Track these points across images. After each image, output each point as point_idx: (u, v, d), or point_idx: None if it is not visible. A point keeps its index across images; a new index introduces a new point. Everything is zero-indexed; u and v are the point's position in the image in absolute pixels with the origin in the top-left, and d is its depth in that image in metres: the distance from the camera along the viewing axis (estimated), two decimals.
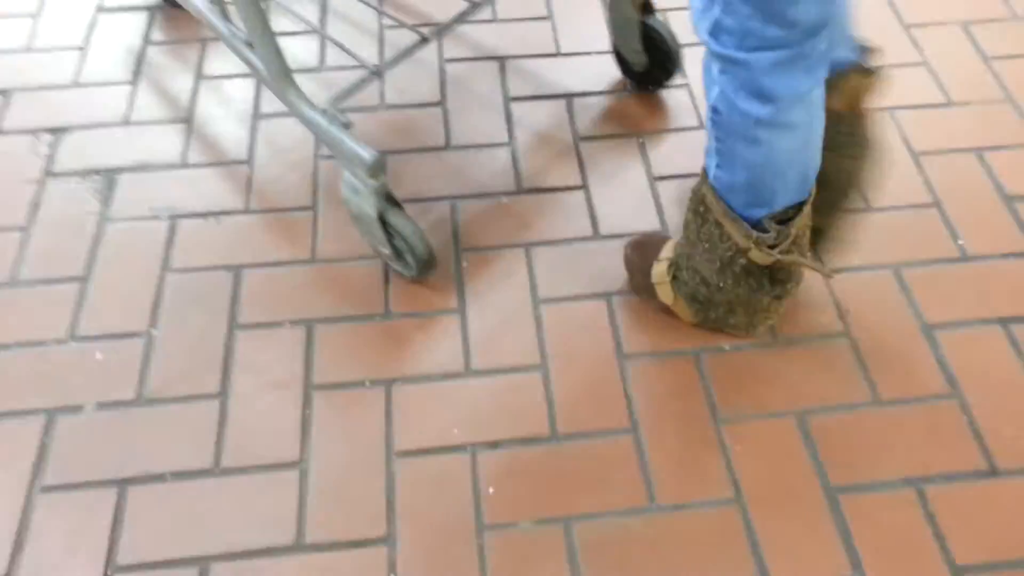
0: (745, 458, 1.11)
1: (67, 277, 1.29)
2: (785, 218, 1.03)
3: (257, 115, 1.50)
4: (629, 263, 1.27)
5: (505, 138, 1.49)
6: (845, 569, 1.02)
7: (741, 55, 0.88)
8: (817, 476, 1.09)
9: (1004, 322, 1.23)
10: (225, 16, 1.33)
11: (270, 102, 1.50)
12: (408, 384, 1.18)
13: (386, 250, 1.26)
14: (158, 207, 1.37)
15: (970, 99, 1.52)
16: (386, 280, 1.29)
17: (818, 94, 0.95)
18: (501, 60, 1.61)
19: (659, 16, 1.45)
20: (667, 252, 1.20)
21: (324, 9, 1.67)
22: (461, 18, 1.32)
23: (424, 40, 1.30)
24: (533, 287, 1.28)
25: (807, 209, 1.04)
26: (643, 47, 1.47)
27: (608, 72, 1.57)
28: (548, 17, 1.67)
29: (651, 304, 1.23)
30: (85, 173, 1.41)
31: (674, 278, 1.18)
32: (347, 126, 1.20)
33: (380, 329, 1.24)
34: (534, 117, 1.52)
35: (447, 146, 1.48)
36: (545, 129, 1.50)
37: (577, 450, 1.12)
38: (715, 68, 0.93)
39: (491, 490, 1.08)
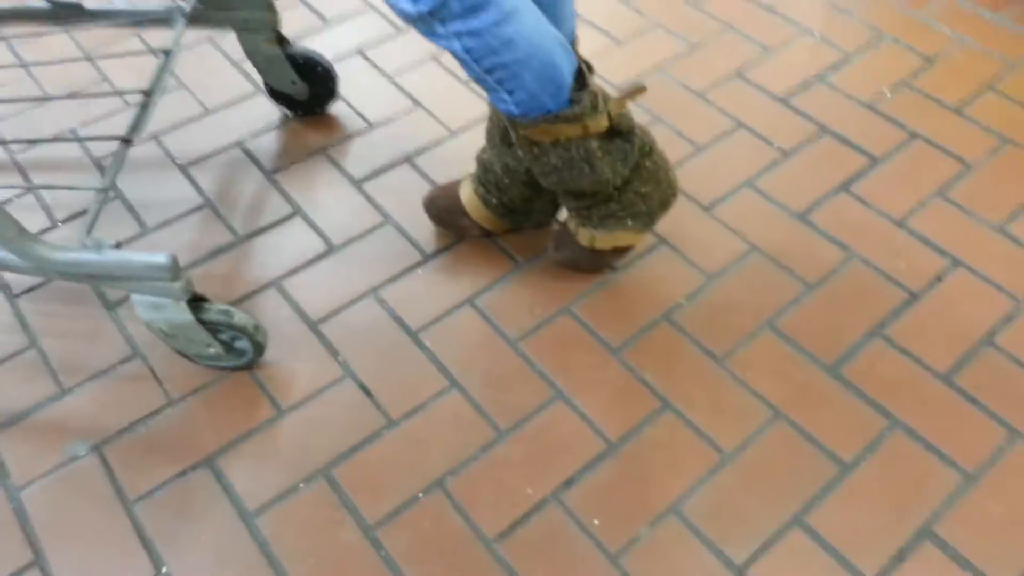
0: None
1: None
2: (579, 87, 1.16)
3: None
4: (567, 262, 1.38)
5: (199, 200, 1.50)
6: None
7: None
8: None
9: None
10: None
11: None
12: (347, 464, 1.17)
13: (214, 349, 1.22)
14: (70, 446, 1.19)
15: None
16: (260, 384, 1.25)
17: None
18: (156, 137, 1.61)
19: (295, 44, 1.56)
20: (571, 224, 1.33)
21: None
22: (144, 116, 1.28)
23: (127, 142, 1.25)
24: (305, 312, 1.33)
25: (585, 71, 1.17)
26: (299, 76, 1.56)
27: (267, 110, 1.65)
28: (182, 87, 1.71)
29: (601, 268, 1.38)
30: None
31: (597, 227, 1.30)
32: (119, 246, 1.14)
33: (287, 428, 1.21)
34: (215, 172, 1.55)
35: (144, 231, 1.45)
36: (233, 178, 1.53)
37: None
38: (437, 28, 1.04)
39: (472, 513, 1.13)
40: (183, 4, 1.40)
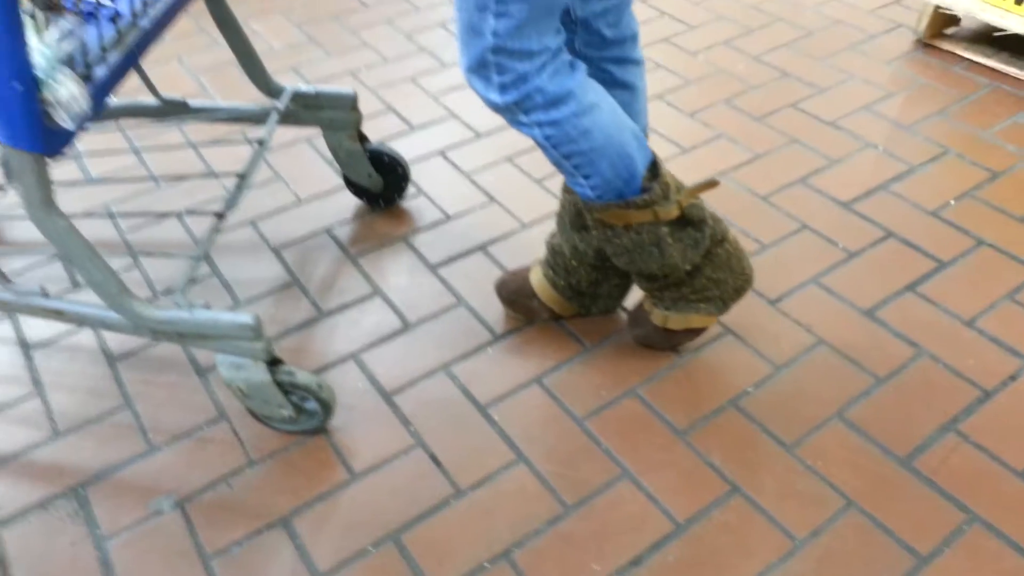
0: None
1: None
2: (652, 177, 1.23)
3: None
4: (642, 340, 1.42)
5: (287, 278, 1.60)
6: None
7: (531, 85, 1.10)
8: None
9: None
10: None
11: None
12: (416, 530, 1.19)
13: (287, 411, 1.27)
14: (155, 501, 1.24)
15: None
16: (335, 449, 1.29)
17: (588, 76, 1.17)
18: (254, 222, 1.73)
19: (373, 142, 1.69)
20: (647, 303, 1.39)
21: None
22: (237, 195, 1.39)
23: (220, 217, 1.35)
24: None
25: (658, 162, 1.24)
26: (375, 170, 1.69)
27: (354, 201, 1.77)
28: (280, 179, 1.84)
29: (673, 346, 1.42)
30: (46, 501, 1.24)
31: (670, 308, 1.35)
32: (208, 307, 1.22)
33: (359, 493, 1.24)
34: (304, 254, 1.65)
35: (235, 304, 1.54)
36: (319, 260, 1.63)
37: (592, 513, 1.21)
38: (520, 116, 1.14)
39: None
40: (277, 104, 1.55)
